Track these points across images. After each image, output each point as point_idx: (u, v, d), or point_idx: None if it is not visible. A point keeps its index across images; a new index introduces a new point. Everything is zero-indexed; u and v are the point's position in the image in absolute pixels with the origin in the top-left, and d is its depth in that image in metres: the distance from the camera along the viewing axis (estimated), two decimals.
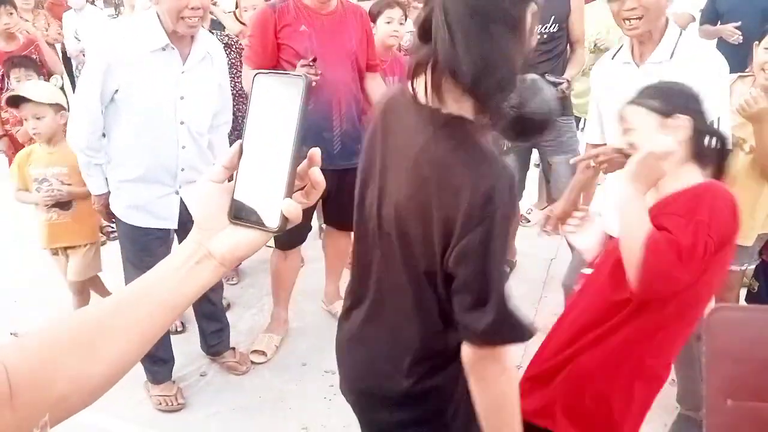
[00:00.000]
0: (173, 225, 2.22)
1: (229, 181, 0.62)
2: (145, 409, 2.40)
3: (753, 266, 2.39)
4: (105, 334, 0.57)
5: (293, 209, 0.58)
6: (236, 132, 2.75)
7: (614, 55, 2.08)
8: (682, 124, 1.38)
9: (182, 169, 2.13)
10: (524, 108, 1.56)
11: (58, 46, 4.92)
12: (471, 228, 0.94)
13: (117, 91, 1.99)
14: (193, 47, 2.06)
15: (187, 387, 2.54)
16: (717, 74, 1.83)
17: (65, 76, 5.08)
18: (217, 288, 2.57)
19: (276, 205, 0.59)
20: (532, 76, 1.70)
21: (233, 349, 2.65)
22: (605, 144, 2.30)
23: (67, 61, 5.51)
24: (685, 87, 1.46)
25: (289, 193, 0.59)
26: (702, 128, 1.41)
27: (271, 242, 2.65)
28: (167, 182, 2.14)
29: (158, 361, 2.38)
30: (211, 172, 0.62)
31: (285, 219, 0.59)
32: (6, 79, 3.56)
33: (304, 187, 0.62)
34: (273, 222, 0.59)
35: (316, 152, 0.61)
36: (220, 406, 2.43)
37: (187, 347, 2.67)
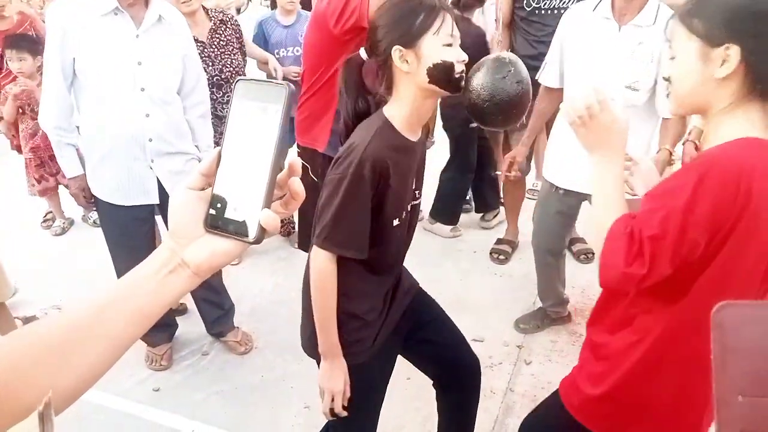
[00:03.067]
0: (153, 200, 2.20)
1: (206, 188, 0.61)
2: (146, 388, 2.42)
3: None
4: (76, 346, 0.56)
5: (271, 220, 0.57)
6: None
7: (595, 6, 2.12)
8: (731, 54, 1.01)
9: (150, 140, 2.10)
10: (485, 91, 1.38)
11: None
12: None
13: (75, 60, 1.97)
14: (148, 12, 2.02)
15: (189, 366, 2.55)
16: None
17: None
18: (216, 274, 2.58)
19: (254, 216, 0.58)
20: (509, 55, 1.44)
21: (237, 328, 2.66)
22: (561, 89, 2.33)
23: None
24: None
25: (268, 204, 0.58)
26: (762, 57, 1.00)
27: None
28: (138, 155, 2.11)
29: (156, 326, 2.39)
30: (188, 179, 0.61)
31: (263, 230, 0.58)
32: (5, 60, 3.48)
33: (283, 196, 0.61)
34: (250, 232, 0.58)
35: (296, 162, 0.60)
36: (222, 384, 2.44)
37: (189, 326, 2.68)
